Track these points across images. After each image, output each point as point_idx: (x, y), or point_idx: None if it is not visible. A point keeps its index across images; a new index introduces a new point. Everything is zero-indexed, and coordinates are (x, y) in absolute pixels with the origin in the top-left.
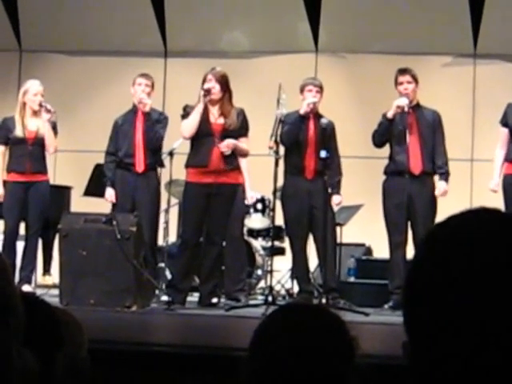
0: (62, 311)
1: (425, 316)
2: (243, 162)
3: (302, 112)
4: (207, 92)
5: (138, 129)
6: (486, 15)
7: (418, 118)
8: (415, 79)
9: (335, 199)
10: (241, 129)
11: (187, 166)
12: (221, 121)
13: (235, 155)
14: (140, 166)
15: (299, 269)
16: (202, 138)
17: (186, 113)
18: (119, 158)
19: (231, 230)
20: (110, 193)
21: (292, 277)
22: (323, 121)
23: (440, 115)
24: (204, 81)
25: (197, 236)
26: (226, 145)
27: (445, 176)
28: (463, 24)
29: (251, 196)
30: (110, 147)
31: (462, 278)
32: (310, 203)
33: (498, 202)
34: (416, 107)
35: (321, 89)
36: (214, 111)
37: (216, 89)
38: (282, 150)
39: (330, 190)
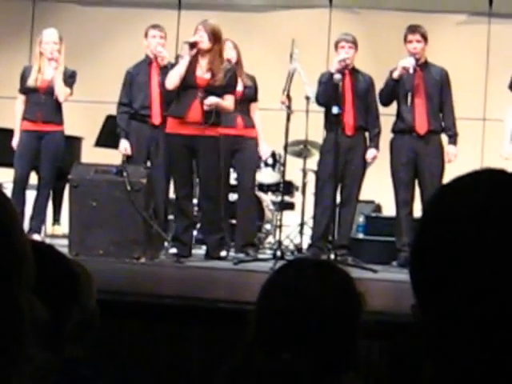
0: (74, 262)
1: (432, 277)
2: (257, 116)
3: (333, 70)
4: (193, 45)
5: (153, 80)
6: None
7: (425, 77)
8: (425, 38)
9: (369, 153)
10: (226, 86)
11: (167, 114)
12: (207, 76)
13: (217, 112)
14: (156, 118)
15: (319, 223)
16: (186, 89)
17: (177, 62)
18: (134, 109)
19: (242, 184)
20: (124, 145)
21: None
22: (335, 76)
23: (448, 73)
24: (195, 32)
25: (187, 187)
26: (208, 103)
27: (453, 139)
28: None
29: (265, 151)
30: (123, 98)
31: (468, 239)
32: (345, 159)
33: (510, 162)
34: (423, 65)
35: (354, 44)
36: (203, 64)
37: (204, 38)
38: (296, 104)
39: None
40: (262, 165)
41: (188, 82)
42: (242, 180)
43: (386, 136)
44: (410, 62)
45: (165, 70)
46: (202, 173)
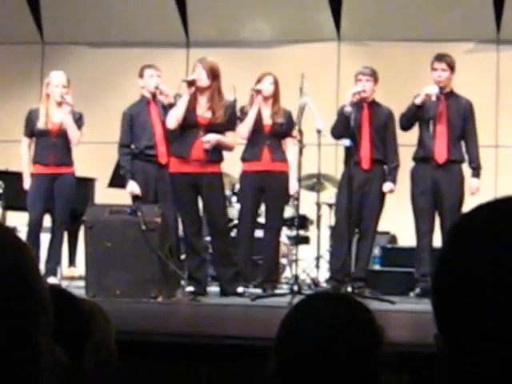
0: (89, 302)
1: (454, 309)
2: (290, 152)
3: (346, 103)
4: (191, 83)
5: (154, 119)
6: (509, 0)
7: (450, 106)
8: (451, 67)
9: (385, 186)
10: (228, 123)
11: (171, 154)
12: (208, 114)
13: (219, 149)
14: (163, 158)
15: (338, 256)
16: (188, 128)
17: (175, 102)
18: (139, 149)
19: (269, 221)
20: (133, 186)
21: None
22: (347, 109)
23: (472, 104)
24: (193, 70)
25: (195, 224)
26: (207, 140)
27: (477, 171)
28: (485, 9)
29: (293, 186)
30: (124, 139)
31: (491, 270)
32: (363, 192)
33: None
34: (449, 94)
35: (372, 77)
36: (203, 103)
37: (202, 76)
38: (308, 138)
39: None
40: (290, 203)
41: (189, 122)
42: (269, 217)
43: (401, 166)
44: (433, 90)
45: (168, 108)
46: (208, 209)
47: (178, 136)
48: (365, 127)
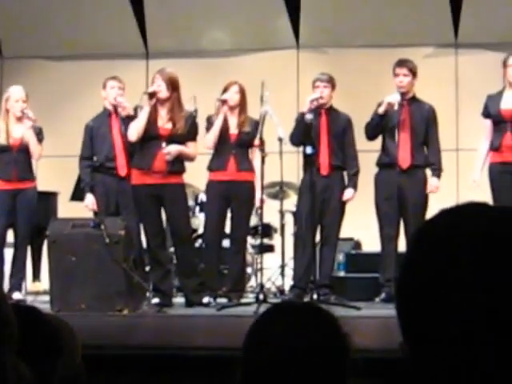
0: (56, 319)
1: (417, 314)
2: (257, 161)
3: (305, 110)
4: (152, 95)
5: (114, 132)
6: (466, 4)
7: (412, 112)
8: (412, 72)
9: (347, 193)
10: (189, 133)
11: (133, 166)
12: (168, 126)
13: (180, 159)
14: (122, 170)
15: (300, 263)
16: (149, 140)
17: (136, 114)
18: (99, 162)
19: (235, 231)
20: (90, 200)
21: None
22: (307, 116)
23: (434, 109)
24: (153, 81)
25: (159, 236)
26: (168, 152)
27: (437, 172)
28: (443, 14)
29: (259, 198)
30: (85, 152)
31: (453, 274)
32: (322, 198)
33: (483, 191)
34: (411, 100)
35: (329, 83)
36: (163, 114)
37: (162, 87)
38: (269, 147)
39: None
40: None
41: (150, 133)
42: (235, 227)
43: (362, 172)
44: (395, 98)
45: (127, 120)
46: (171, 220)
47: (138, 148)
48: (323, 134)
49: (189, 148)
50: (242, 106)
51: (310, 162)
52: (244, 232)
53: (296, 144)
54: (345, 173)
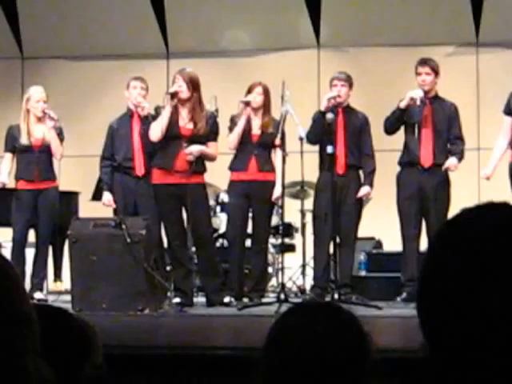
0: (82, 320)
1: (439, 313)
2: (278, 160)
3: (322, 108)
4: (173, 95)
5: (135, 132)
6: (487, 3)
7: (435, 110)
8: (435, 71)
9: (362, 190)
10: (210, 133)
11: (153, 165)
12: (190, 126)
13: (202, 159)
14: (140, 170)
15: (319, 263)
16: (170, 140)
17: (157, 114)
18: (117, 162)
19: (256, 231)
20: (107, 197)
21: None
22: (328, 116)
23: (457, 108)
24: (173, 82)
25: (180, 236)
26: (190, 152)
27: (458, 156)
28: (464, 13)
29: (277, 192)
30: (106, 152)
31: (475, 274)
32: (339, 197)
33: (505, 190)
34: (434, 99)
35: (347, 82)
36: (184, 114)
37: (183, 87)
38: (290, 146)
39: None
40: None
41: (172, 133)
42: (256, 227)
43: (384, 171)
44: (417, 94)
45: (146, 120)
46: (193, 220)
47: (159, 148)
48: (340, 132)
49: (210, 148)
50: (266, 106)
51: (330, 161)
52: (265, 232)
53: (313, 142)
54: (361, 172)
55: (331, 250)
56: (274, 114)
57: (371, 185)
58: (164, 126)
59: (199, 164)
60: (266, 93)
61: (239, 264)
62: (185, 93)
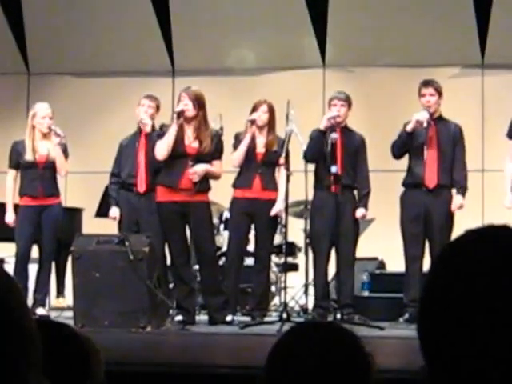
0: (84, 336)
1: (439, 335)
2: (281, 178)
3: (321, 127)
4: (179, 114)
5: (140, 149)
6: (493, 25)
7: (439, 131)
8: (438, 91)
9: (358, 212)
10: (215, 152)
11: (157, 183)
12: (195, 144)
13: (206, 178)
14: (142, 187)
15: (319, 283)
16: (176, 158)
17: (162, 132)
18: (122, 179)
19: (259, 250)
20: (114, 210)
21: (306, 292)
22: (332, 135)
23: (461, 129)
24: (178, 99)
25: (184, 253)
26: (194, 172)
27: (462, 190)
28: (470, 34)
29: (275, 208)
30: (114, 168)
31: (475, 296)
32: (335, 217)
33: (509, 212)
34: (438, 120)
35: (346, 102)
36: (189, 133)
37: (189, 106)
38: (295, 165)
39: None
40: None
41: (177, 152)
42: (259, 245)
43: (387, 191)
44: (423, 116)
45: (150, 137)
46: (196, 238)
47: (164, 166)
48: (338, 152)
49: (214, 166)
50: (271, 125)
51: (335, 181)
52: (268, 250)
53: (310, 161)
54: (354, 192)
55: (330, 270)
56: (279, 132)
57: (366, 206)
58: (170, 144)
59: (203, 182)
60: (271, 111)
61: (235, 281)
62: (191, 111)
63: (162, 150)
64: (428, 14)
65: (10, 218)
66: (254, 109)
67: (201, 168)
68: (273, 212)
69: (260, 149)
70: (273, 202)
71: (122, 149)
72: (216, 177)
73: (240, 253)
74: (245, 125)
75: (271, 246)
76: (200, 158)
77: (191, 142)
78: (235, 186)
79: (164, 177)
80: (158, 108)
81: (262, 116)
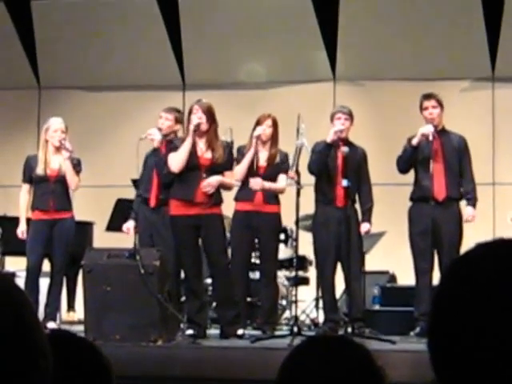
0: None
1: (449, 349)
2: (281, 180)
3: (328, 140)
4: (197, 127)
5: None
6: (503, 38)
7: (444, 144)
8: (440, 104)
9: (363, 227)
10: (226, 163)
11: (172, 197)
12: (208, 155)
13: (219, 191)
14: (152, 201)
15: (327, 297)
16: (189, 171)
17: (174, 146)
18: (139, 193)
19: (264, 263)
20: (129, 223)
21: (317, 306)
22: (343, 149)
23: (466, 140)
24: (190, 113)
25: (196, 267)
26: (208, 184)
27: (472, 202)
28: (480, 48)
29: (260, 183)
30: (138, 181)
31: (485, 310)
32: (339, 231)
33: None
34: (442, 132)
35: (350, 116)
36: (201, 144)
37: (203, 119)
38: (305, 179)
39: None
40: (289, 244)
41: (191, 164)
42: (264, 259)
43: (397, 204)
44: (429, 129)
45: (156, 152)
46: (209, 251)
47: (177, 179)
48: (340, 166)
49: (227, 177)
50: (274, 139)
51: (347, 195)
52: (273, 264)
53: (315, 174)
54: (356, 206)
55: (338, 285)
56: (289, 146)
57: (370, 221)
58: (185, 157)
59: (217, 195)
60: (275, 125)
61: (243, 296)
62: (204, 124)
63: (177, 162)
64: (438, 28)
65: (21, 229)
66: (258, 123)
67: (214, 179)
68: (256, 185)
69: (262, 162)
70: (275, 216)
71: (145, 162)
72: (229, 188)
73: (245, 266)
74: (249, 138)
75: (276, 259)
76: (213, 169)
77: (204, 153)
78: (237, 199)
79: (178, 190)
80: (176, 120)
81: (266, 130)
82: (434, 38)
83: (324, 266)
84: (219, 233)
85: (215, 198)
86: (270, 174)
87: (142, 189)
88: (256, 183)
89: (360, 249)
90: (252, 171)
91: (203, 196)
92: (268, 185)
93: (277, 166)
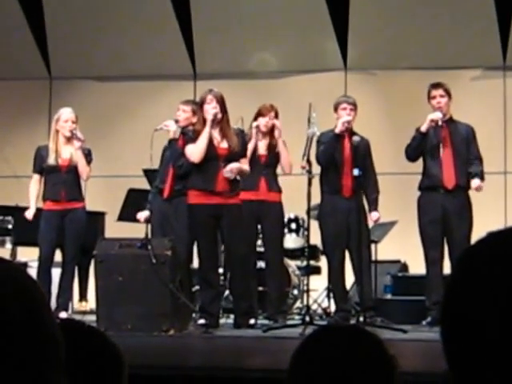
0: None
1: (462, 338)
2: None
3: (337, 131)
4: (215, 117)
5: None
6: None
7: (452, 132)
8: (448, 93)
9: (373, 216)
10: (242, 150)
11: (190, 187)
12: (224, 144)
13: (237, 180)
14: (166, 192)
15: (336, 287)
16: (207, 161)
17: (189, 137)
18: (156, 184)
19: (269, 251)
20: (143, 213)
21: (328, 295)
22: (355, 138)
23: (474, 129)
24: (202, 102)
25: (213, 257)
26: (230, 169)
27: (480, 175)
28: (492, 37)
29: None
30: (157, 174)
31: (498, 299)
32: (347, 221)
33: None
34: (449, 121)
35: (355, 106)
36: (216, 134)
37: (218, 109)
38: (315, 169)
39: (367, 208)
40: (286, 230)
41: (209, 154)
42: (269, 248)
43: (408, 194)
44: (437, 115)
45: (171, 144)
46: (229, 240)
47: (196, 170)
48: (346, 156)
49: (244, 164)
50: (274, 128)
51: (358, 184)
52: (278, 253)
53: (324, 164)
54: (362, 196)
55: (346, 274)
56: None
57: (377, 210)
58: (204, 147)
59: (235, 184)
60: (277, 116)
61: (254, 285)
62: (219, 114)
63: (197, 152)
64: (449, 17)
65: (30, 213)
66: (260, 113)
67: (235, 165)
68: (228, 167)
69: (262, 151)
70: (278, 205)
71: (163, 155)
72: (246, 174)
73: (252, 255)
74: (251, 129)
75: (281, 248)
76: (230, 157)
77: (219, 143)
78: (241, 188)
79: (197, 181)
80: (194, 112)
81: (269, 122)
82: (446, 27)
83: (332, 257)
84: (240, 223)
85: (235, 187)
86: (272, 162)
87: (159, 180)
88: (229, 171)
89: (368, 238)
90: (254, 160)
91: (223, 185)
92: (237, 165)
93: (277, 154)
